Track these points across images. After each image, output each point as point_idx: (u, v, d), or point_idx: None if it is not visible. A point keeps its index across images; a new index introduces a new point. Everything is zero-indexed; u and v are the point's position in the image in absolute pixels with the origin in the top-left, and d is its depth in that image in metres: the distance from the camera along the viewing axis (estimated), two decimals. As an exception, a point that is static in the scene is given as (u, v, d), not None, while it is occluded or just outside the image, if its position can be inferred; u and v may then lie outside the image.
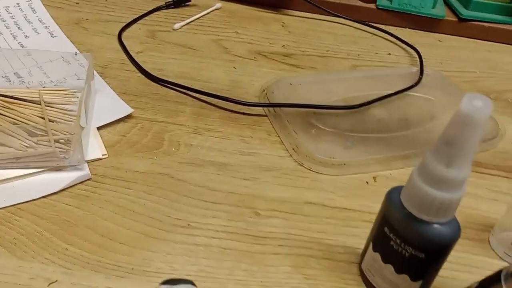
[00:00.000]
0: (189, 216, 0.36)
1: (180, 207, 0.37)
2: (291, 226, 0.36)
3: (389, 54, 0.64)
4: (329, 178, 0.42)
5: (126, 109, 0.44)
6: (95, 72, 0.48)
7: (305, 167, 0.42)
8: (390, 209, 0.28)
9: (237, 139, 0.44)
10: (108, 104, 0.45)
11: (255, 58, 0.59)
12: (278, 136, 0.45)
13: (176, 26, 0.62)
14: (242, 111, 0.48)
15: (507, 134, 0.48)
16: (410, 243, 0.27)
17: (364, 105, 0.49)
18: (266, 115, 0.48)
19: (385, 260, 0.30)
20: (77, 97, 0.43)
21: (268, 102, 0.49)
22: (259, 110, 0.49)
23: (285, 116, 0.47)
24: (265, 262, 0.33)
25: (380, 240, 0.30)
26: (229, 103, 0.48)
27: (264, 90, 0.51)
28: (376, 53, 0.63)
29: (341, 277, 0.33)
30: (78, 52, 0.49)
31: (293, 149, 0.44)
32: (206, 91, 0.49)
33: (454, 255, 0.34)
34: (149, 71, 0.51)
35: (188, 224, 0.35)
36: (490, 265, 0.36)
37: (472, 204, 0.41)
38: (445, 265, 0.29)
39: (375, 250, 0.30)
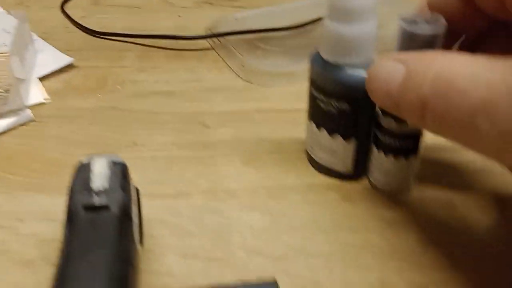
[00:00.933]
0: (135, 137, 0.35)
1: (126, 131, 0.36)
2: (241, 131, 0.36)
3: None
4: (278, 89, 0.41)
5: (67, 59, 0.44)
6: (36, 36, 0.48)
7: (253, 84, 0.42)
8: (312, 67, 0.28)
9: (184, 71, 0.44)
10: (49, 58, 0.44)
11: (201, 6, 0.58)
12: (225, 63, 0.45)
13: (120, -9, 0.62)
14: (188, 48, 0.48)
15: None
16: (333, 95, 0.27)
17: (308, 24, 0.49)
18: (212, 48, 0.48)
19: (319, 125, 0.29)
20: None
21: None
22: (205, 44, 0.48)
23: (231, 44, 0.46)
24: (214, 163, 0.33)
25: (312, 105, 0.29)
26: (174, 42, 0.48)
27: (210, 29, 0.51)
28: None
29: (292, 164, 0.33)
30: (10, 11, 0.48)
31: (240, 69, 0.43)
32: (149, 33, 0.48)
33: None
34: (94, 29, 0.51)
35: (135, 143, 0.35)
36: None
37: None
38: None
39: (310, 119, 0.30)
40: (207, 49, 0.48)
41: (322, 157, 0.31)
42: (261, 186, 0.31)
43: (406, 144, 0.27)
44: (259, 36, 0.48)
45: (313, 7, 0.55)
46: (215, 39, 0.48)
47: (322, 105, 0.28)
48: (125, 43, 0.49)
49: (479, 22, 0.24)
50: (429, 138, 0.33)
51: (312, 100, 0.29)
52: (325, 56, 0.27)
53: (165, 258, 0.26)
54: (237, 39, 0.47)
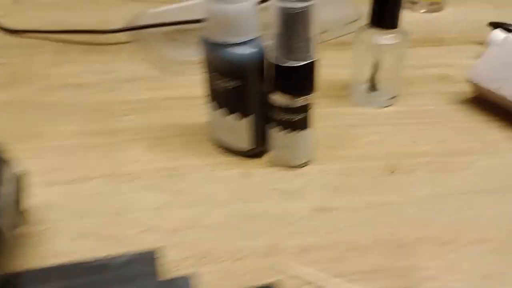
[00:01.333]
0: (40, 128, 0.35)
1: (31, 123, 0.35)
2: (149, 118, 0.36)
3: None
4: (193, 77, 0.41)
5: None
6: None
7: (167, 74, 0.42)
8: (203, 48, 0.28)
9: (99, 63, 0.44)
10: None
11: (125, 2, 0.58)
12: (142, 55, 0.45)
13: (43, -9, 0.61)
14: (106, 42, 0.47)
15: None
16: (222, 73, 0.28)
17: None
18: (130, 42, 0.48)
19: (217, 106, 0.30)
20: None
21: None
22: (122, 38, 0.48)
23: (150, 37, 0.46)
24: (118, 149, 0.33)
25: (208, 86, 0.30)
26: (93, 37, 0.47)
27: (129, 23, 0.50)
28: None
29: (197, 146, 0.33)
30: None
31: (155, 60, 0.43)
32: (66, 29, 0.48)
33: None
34: (10, 28, 0.49)
35: (39, 134, 0.34)
36: (350, 111, 0.37)
37: (336, 72, 0.42)
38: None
39: (209, 100, 0.30)
40: (125, 42, 0.48)
41: (223, 136, 0.31)
42: (164, 167, 0.31)
43: (298, 117, 0.28)
44: (177, 29, 0.48)
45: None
46: (133, 33, 0.48)
47: (216, 85, 0.28)
48: (42, 40, 0.48)
49: None
50: (322, 112, 0.34)
51: (208, 81, 0.29)
52: (210, 36, 0.27)
53: (56, 239, 0.26)
54: (155, 32, 0.47)
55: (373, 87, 0.38)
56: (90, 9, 0.56)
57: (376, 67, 0.37)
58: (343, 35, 0.49)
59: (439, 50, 0.46)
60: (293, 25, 0.25)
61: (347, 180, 0.30)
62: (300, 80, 0.27)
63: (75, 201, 0.28)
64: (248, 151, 0.31)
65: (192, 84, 0.40)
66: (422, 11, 0.54)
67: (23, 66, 0.43)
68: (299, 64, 0.27)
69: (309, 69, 0.27)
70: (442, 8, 0.54)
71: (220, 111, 0.30)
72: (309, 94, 0.28)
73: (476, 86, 0.36)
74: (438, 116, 0.36)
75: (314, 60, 0.27)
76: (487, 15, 0.52)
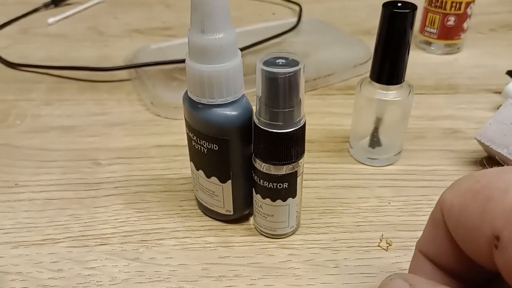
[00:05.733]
0: (18, 177, 0.33)
1: (11, 170, 0.34)
2: (133, 169, 0.34)
3: (274, 14, 0.63)
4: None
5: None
6: None
7: (161, 117, 0.40)
8: (184, 106, 0.26)
9: (92, 104, 0.42)
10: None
11: (130, 35, 0.57)
12: (138, 95, 0.44)
13: (51, 20, 0.61)
14: (104, 79, 0.46)
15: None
16: (200, 134, 0.25)
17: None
18: (129, 79, 0.46)
19: (197, 167, 0.27)
20: None
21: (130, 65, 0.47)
22: (122, 75, 0.47)
23: (147, 76, 0.45)
24: (94, 205, 0.31)
25: (189, 146, 0.27)
26: (90, 73, 0.46)
27: (130, 59, 0.49)
28: (260, 15, 0.63)
29: (178, 205, 0.31)
30: None
31: (151, 102, 0.42)
32: (62, 65, 0.47)
33: (310, 167, 0.33)
34: (11, 60, 0.49)
35: (16, 184, 0.33)
36: (348, 170, 0.34)
37: (339, 121, 0.40)
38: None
39: (190, 160, 0.28)
40: (124, 80, 0.46)
41: (203, 199, 0.29)
42: (138, 230, 0.29)
43: (282, 187, 0.26)
44: (178, 67, 0.47)
45: (244, 33, 0.54)
46: (132, 70, 0.46)
47: (196, 145, 0.26)
48: (40, 74, 0.47)
49: (481, 273, 0.19)
50: (308, 180, 0.32)
51: (189, 140, 0.27)
52: (191, 95, 0.25)
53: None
54: (156, 69, 0.46)
55: (374, 143, 0.35)
56: (95, 40, 0.56)
57: (378, 122, 0.34)
58: (350, 78, 0.46)
59: (452, 99, 0.43)
60: (280, 90, 0.23)
61: (333, 256, 0.27)
62: (286, 147, 0.25)
63: (36, 269, 0.26)
64: (228, 216, 0.29)
65: (184, 130, 0.38)
66: (437, 53, 0.51)
67: (16, 104, 0.42)
68: (285, 131, 0.24)
69: (296, 136, 0.24)
70: (460, 50, 0.51)
71: (199, 172, 0.27)
72: (296, 161, 0.25)
73: (486, 147, 0.33)
74: (444, 178, 0.33)
75: (302, 126, 0.25)
76: (507, 58, 0.49)
